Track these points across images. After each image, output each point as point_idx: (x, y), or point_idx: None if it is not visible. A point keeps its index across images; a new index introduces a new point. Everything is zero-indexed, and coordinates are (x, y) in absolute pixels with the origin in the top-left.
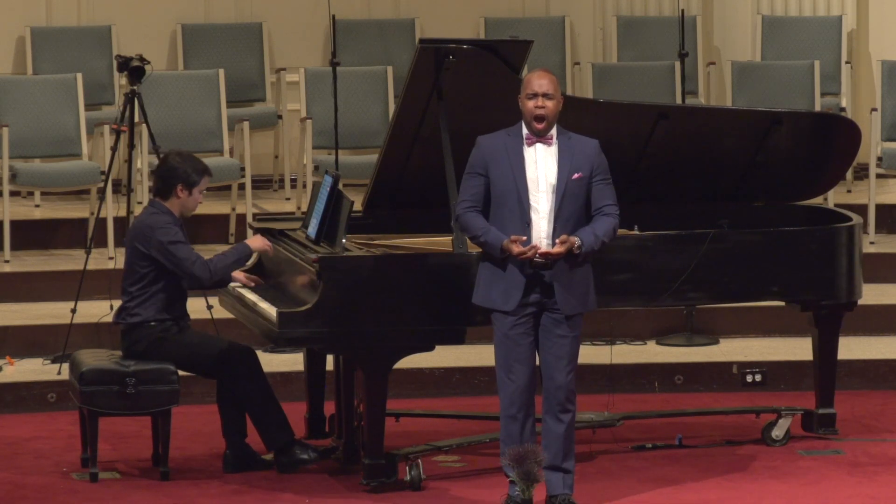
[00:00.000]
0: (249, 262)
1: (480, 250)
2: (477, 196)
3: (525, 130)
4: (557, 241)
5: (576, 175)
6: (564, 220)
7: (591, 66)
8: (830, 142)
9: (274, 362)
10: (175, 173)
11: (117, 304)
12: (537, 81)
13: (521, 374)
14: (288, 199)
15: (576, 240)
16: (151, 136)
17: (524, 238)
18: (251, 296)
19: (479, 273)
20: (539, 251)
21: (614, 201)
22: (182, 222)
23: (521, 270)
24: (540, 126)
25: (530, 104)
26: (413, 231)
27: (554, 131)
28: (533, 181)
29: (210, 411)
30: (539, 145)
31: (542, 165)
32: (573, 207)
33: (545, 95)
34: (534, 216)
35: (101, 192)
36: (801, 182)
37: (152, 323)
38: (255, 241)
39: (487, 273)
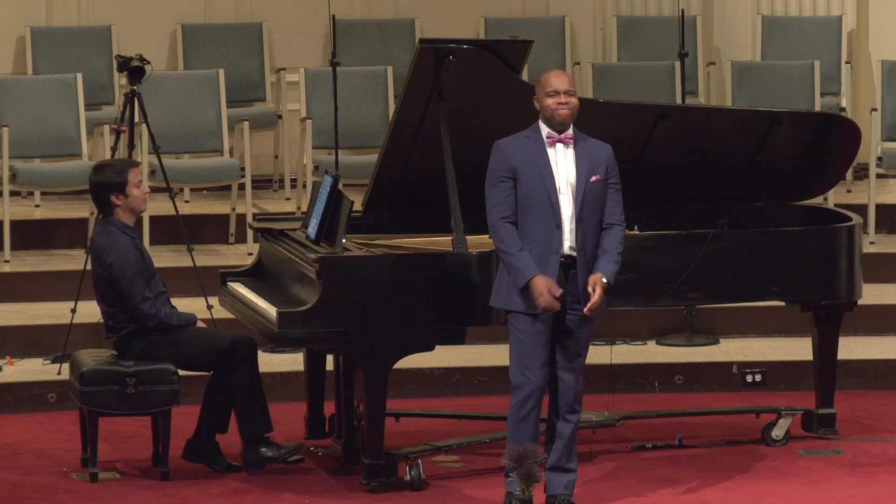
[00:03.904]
0: (249, 262)
1: (481, 250)
2: (510, 203)
3: (545, 131)
4: (589, 288)
5: (594, 177)
6: (585, 223)
7: (591, 66)
8: (830, 142)
9: (274, 362)
10: (100, 188)
11: None
12: (557, 80)
13: (538, 374)
14: (288, 199)
15: (601, 278)
16: (151, 136)
17: (560, 291)
18: (251, 296)
19: (500, 275)
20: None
21: (622, 210)
22: (137, 233)
23: (548, 273)
24: (565, 116)
25: (552, 101)
26: (413, 231)
27: (571, 132)
28: (558, 178)
29: None
30: (559, 145)
31: (562, 167)
32: (592, 209)
33: (567, 93)
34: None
35: None
36: (801, 182)
37: (141, 330)
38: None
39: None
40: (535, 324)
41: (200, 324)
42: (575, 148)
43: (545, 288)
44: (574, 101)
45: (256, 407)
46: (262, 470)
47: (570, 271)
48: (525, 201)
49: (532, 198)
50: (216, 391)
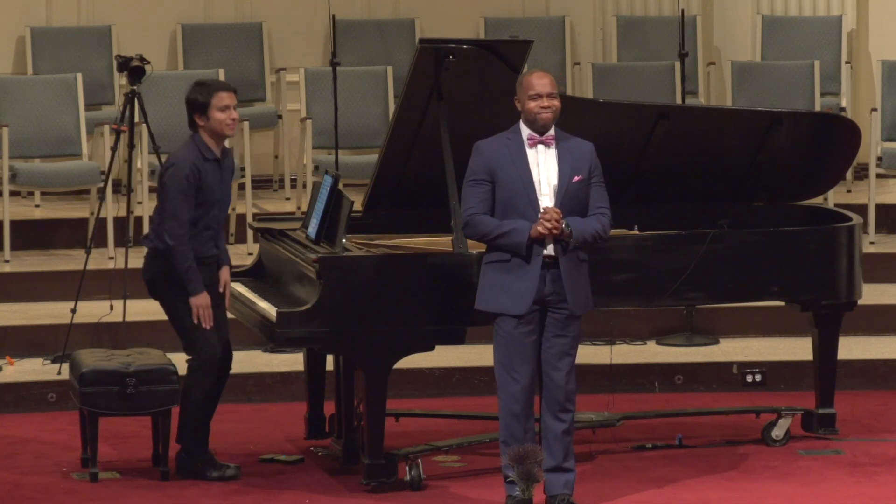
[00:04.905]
0: (249, 262)
1: (480, 250)
2: (485, 203)
3: (526, 132)
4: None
5: (576, 178)
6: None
7: (591, 66)
8: (830, 142)
9: (274, 362)
10: (188, 105)
11: (117, 303)
12: (539, 82)
13: (525, 373)
14: (288, 199)
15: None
16: (151, 136)
17: (548, 211)
18: (251, 296)
19: (483, 277)
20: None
21: (607, 205)
22: (214, 156)
23: (532, 272)
24: (548, 120)
25: (534, 104)
26: (413, 231)
27: (553, 132)
28: (536, 183)
29: None
30: (540, 146)
31: (543, 168)
32: (574, 209)
33: (549, 95)
34: None
35: (101, 192)
36: (802, 182)
37: (166, 256)
38: (204, 298)
39: (493, 277)
40: (519, 325)
41: (200, 302)
42: (557, 148)
43: (537, 226)
44: (556, 103)
45: (202, 420)
46: (189, 476)
47: (553, 271)
48: (506, 204)
49: (513, 200)
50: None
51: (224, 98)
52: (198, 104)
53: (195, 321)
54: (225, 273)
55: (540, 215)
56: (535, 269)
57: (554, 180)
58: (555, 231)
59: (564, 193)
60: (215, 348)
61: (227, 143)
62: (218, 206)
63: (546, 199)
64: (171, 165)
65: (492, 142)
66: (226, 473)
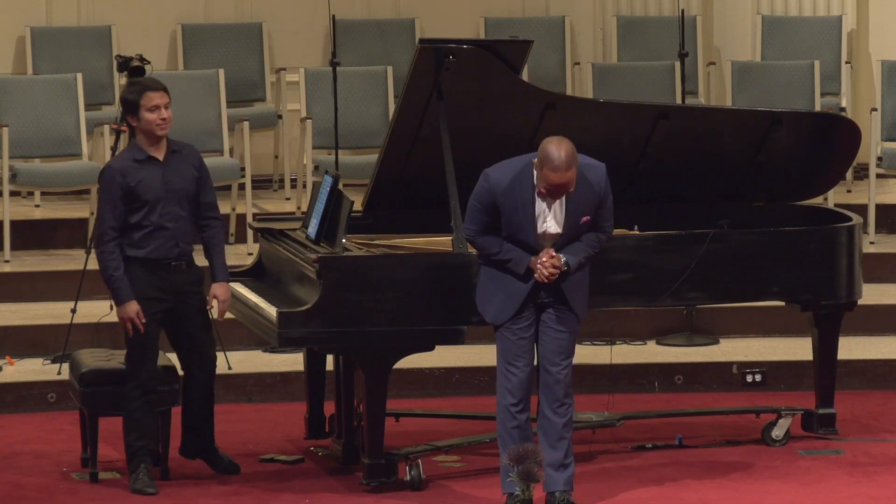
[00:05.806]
0: (249, 262)
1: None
2: (485, 229)
3: (537, 177)
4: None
5: (584, 220)
6: (568, 246)
7: (591, 66)
8: (830, 142)
9: (274, 362)
10: (122, 108)
11: None
12: (559, 182)
13: (521, 367)
14: (288, 199)
15: (560, 257)
16: None
17: (548, 253)
18: (251, 296)
19: (480, 277)
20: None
21: (611, 220)
22: (146, 157)
23: (523, 288)
24: (558, 199)
25: (547, 190)
26: (413, 231)
27: None
28: (540, 231)
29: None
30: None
31: (550, 217)
32: (576, 238)
33: (566, 186)
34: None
35: None
36: (801, 182)
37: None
38: (128, 308)
39: (486, 279)
40: (515, 322)
41: (123, 313)
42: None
43: (536, 262)
44: (572, 189)
45: (148, 428)
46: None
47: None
48: (507, 232)
49: (514, 236)
50: (187, 403)
51: (153, 98)
52: (128, 104)
53: (123, 332)
54: (219, 290)
55: (539, 262)
56: (528, 284)
57: (559, 230)
58: (552, 281)
59: (568, 236)
60: (145, 376)
61: (227, 143)
62: (169, 204)
63: (548, 243)
64: (103, 171)
65: (501, 175)
66: (147, 490)
